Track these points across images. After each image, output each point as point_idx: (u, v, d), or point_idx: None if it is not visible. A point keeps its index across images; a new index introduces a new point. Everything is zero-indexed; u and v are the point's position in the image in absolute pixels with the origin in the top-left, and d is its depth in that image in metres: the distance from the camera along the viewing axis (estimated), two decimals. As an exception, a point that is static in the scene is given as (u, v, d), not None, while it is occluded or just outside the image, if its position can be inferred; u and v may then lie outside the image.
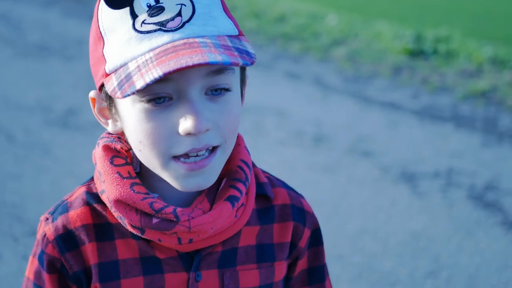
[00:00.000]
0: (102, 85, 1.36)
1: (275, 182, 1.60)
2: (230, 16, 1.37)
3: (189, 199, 1.45)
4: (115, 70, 1.31)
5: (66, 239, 1.45)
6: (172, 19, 1.29)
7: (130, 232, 1.43)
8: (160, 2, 1.30)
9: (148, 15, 1.30)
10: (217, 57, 1.24)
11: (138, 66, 1.27)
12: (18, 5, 10.42)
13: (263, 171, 1.60)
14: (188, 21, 1.30)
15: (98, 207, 1.45)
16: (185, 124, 1.30)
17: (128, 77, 1.27)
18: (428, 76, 7.63)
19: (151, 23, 1.30)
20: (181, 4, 1.31)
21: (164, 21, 1.29)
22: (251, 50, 1.32)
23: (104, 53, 1.34)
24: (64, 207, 1.48)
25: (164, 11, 1.30)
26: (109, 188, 1.40)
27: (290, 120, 6.27)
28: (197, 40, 1.27)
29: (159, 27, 1.29)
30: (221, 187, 1.45)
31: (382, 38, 8.84)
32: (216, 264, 1.47)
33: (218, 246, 1.47)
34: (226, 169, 1.47)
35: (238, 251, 1.50)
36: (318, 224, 1.62)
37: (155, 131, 1.32)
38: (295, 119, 6.29)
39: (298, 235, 1.57)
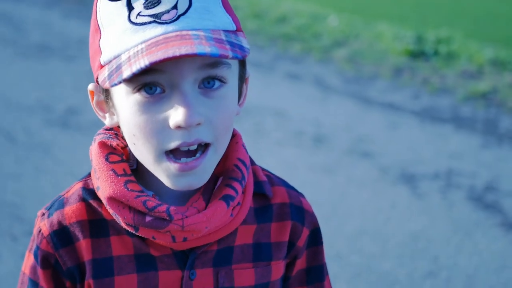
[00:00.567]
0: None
1: (274, 180, 1.59)
2: (229, 12, 1.37)
3: (184, 197, 1.44)
4: (109, 62, 1.31)
5: (60, 235, 1.44)
6: (168, 11, 1.30)
7: (125, 229, 1.43)
8: None
9: (144, 7, 1.30)
10: (206, 48, 1.24)
11: (129, 57, 1.27)
12: (19, 6, 10.43)
13: (263, 169, 1.59)
14: (183, 14, 1.30)
15: (93, 203, 1.45)
16: (176, 117, 1.29)
17: (118, 67, 1.28)
18: (429, 77, 7.63)
19: (146, 15, 1.30)
20: None
21: (159, 13, 1.29)
22: (245, 45, 1.32)
23: (100, 45, 1.34)
24: (60, 203, 1.48)
25: (160, 4, 1.30)
26: (103, 185, 1.41)
27: (290, 121, 6.27)
28: (190, 32, 1.27)
29: (153, 19, 1.29)
30: (217, 186, 1.45)
31: (383, 39, 8.84)
32: (211, 262, 1.46)
33: (214, 244, 1.46)
34: (223, 168, 1.47)
35: (234, 250, 1.49)
36: (317, 223, 1.61)
37: (147, 124, 1.32)
38: (295, 120, 6.30)
39: (297, 234, 1.56)
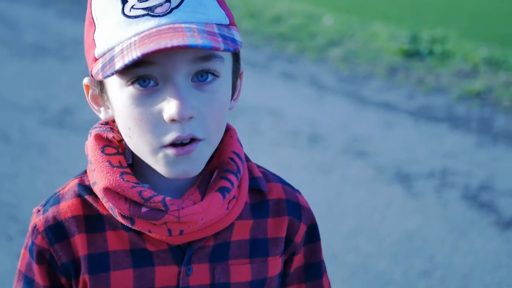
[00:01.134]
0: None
1: (270, 177, 1.59)
2: (223, 6, 1.38)
3: (181, 191, 1.45)
4: (103, 54, 1.33)
5: (55, 230, 1.45)
6: (161, 4, 1.31)
7: (121, 224, 1.43)
8: None
9: (138, 0, 1.32)
10: (198, 40, 1.25)
11: (122, 49, 1.28)
12: (14, 6, 10.41)
13: (259, 166, 1.59)
14: (176, 7, 1.31)
15: (89, 198, 1.45)
16: (169, 110, 1.30)
17: (111, 59, 1.29)
18: (424, 76, 7.64)
19: (139, 8, 1.31)
20: None
21: (152, 6, 1.31)
22: (238, 38, 1.33)
23: (95, 38, 1.36)
24: (56, 199, 1.48)
25: None
26: (99, 176, 1.41)
27: (285, 120, 6.28)
28: (182, 25, 1.29)
29: (147, 12, 1.31)
30: (212, 179, 1.45)
31: (377, 39, 8.85)
32: (208, 258, 1.47)
33: (210, 240, 1.47)
34: (218, 161, 1.48)
35: (230, 245, 1.49)
36: (314, 219, 1.62)
37: (142, 117, 1.33)
38: (290, 119, 6.30)
39: (294, 230, 1.57)
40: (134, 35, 1.29)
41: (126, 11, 1.32)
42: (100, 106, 1.46)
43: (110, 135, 1.46)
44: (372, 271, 4.07)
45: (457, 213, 4.72)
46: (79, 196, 1.47)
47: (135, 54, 1.25)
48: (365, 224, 4.55)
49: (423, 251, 4.27)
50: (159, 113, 1.32)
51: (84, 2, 10.53)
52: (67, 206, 1.46)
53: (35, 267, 1.47)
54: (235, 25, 1.39)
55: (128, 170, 1.42)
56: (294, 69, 7.87)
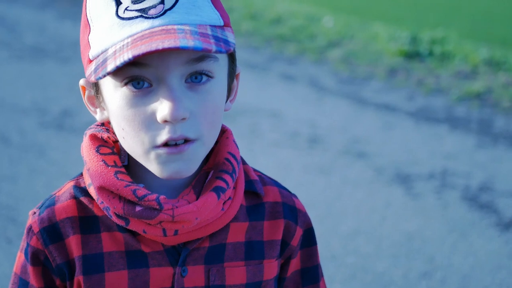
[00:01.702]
0: None
1: (266, 180, 1.59)
2: (218, 7, 1.37)
3: (176, 191, 1.45)
4: (97, 56, 1.33)
5: (50, 231, 1.45)
6: (154, 6, 1.31)
7: (116, 225, 1.43)
8: None
9: (132, 2, 1.32)
10: (189, 42, 1.25)
11: (115, 51, 1.29)
12: (13, 7, 10.42)
13: (255, 170, 1.59)
14: (170, 9, 1.31)
15: (84, 200, 1.45)
16: (162, 111, 1.30)
17: (104, 61, 1.29)
18: (424, 77, 7.64)
19: (133, 10, 1.31)
20: None
21: (146, 8, 1.31)
22: (231, 40, 1.32)
23: (89, 40, 1.36)
24: (52, 201, 1.48)
25: None
26: (93, 175, 1.41)
27: (285, 122, 6.27)
28: (175, 27, 1.29)
29: (140, 14, 1.31)
30: (207, 179, 1.45)
31: (377, 40, 8.85)
32: (203, 259, 1.46)
33: (205, 241, 1.46)
34: (214, 162, 1.47)
35: (226, 247, 1.49)
36: (311, 223, 1.61)
37: (135, 118, 1.33)
38: (290, 121, 6.30)
39: (290, 233, 1.56)
40: (127, 37, 1.29)
41: (120, 13, 1.32)
42: (96, 107, 1.46)
43: (105, 135, 1.46)
44: (372, 272, 4.06)
45: (457, 214, 4.71)
46: (74, 197, 1.47)
47: (126, 56, 1.25)
48: (365, 225, 4.54)
49: (423, 252, 4.26)
50: (152, 114, 1.32)
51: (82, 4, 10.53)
52: (62, 208, 1.46)
53: (29, 268, 1.46)
54: (230, 26, 1.38)
55: (122, 169, 1.42)
56: (294, 70, 7.86)
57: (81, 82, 1.46)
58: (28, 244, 1.46)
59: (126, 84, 1.32)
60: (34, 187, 4.86)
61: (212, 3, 1.37)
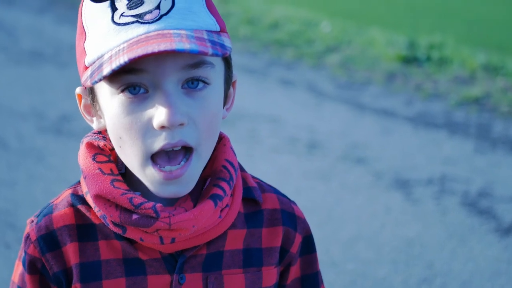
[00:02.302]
0: None
1: (265, 187, 1.58)
2: (213, 13, 1.37)
3: (173, 199, 1.43)
4: (93, 62, 1.32)
5: (47, 239, 1.44)
6: (150, 11, 1.31)
7: (114, 233, 1.42)
8: None
9: (127, 7, 1.32)
10: (186, 45, 1.25)
11: (111, 56, 1.28)
12: (11, 12, 10.41)
13: (253, 177, 1.58)
14: (165, 14, 1.31)
15: (82, 208, 1.45)
16: (159, 117, 1.30)
17: (100, 66, 1.29)
18: (422, 83, 7.64)
19: (129, 16, 1.31)
20: None
21: (142, 13, 1.31)
22: (227, 44, 1.32)
23: (85, 47, 1.36)
24: (49, 209, 1.48)
25: (143, 4, 1.31)
26: (90, 183, 1.40)
27: (284, 127, 6.27)
28: (171, 31, 1.28)
29: (136, 19, 1.30)
30: (205, 186, 1.45)
31: (375, 45, 8.85)
32: (201, 267, 1.46)
33: (203, 249, 1.46)
34: (211, 169, 1.47)
35: (224, 255, 1.48)
36: (310, 230, 1.60)
37: (132, 125, 1.32)
38: (288, 126, 6.29)
39: (290, 240, 1.55)
40: (123, 42, 1.29)
41: (116, 18, 1.31)
42: (93, 116, 1.46)
43: (102, 143, 1.46)
44: (372, 278, 4.05)
45: (456, 219, 4.71)
46: (72, 205, 1.46)
47: (122, 59, 1.24)
48: (365, 231, 4.54)
49: (423, 258, 4.26)
50: (149, 121, 1.32)
51: (82, 8, 10.54)
52: (60, 216, 1.45)
53: (27, 277, 1.46)
54: (226, 32, 1.38)
55: (119, 177, 1.41)
56: (292, 75, 7.86)
57: (78, 90, 1.46)
58: (25, 252, 1.46)
59: (122, 91, 1.32)
60: (33, 192, 4.85)
61: (208, 9, 1.37)
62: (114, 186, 1.38)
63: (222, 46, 1.30)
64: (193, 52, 1.24)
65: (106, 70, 1.26)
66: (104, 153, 1.45)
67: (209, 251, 1.47)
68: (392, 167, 5.48)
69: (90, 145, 1.45)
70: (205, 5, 1.37)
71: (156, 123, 1.30)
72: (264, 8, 10.90)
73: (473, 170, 5.48)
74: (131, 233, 1.39)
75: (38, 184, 4.98)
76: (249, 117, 6.37)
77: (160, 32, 1.28)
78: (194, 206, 1.41)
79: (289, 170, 5.37)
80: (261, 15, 10.41)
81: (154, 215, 1.35)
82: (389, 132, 6.24)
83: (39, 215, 1.49)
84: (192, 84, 1.33)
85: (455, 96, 7.18)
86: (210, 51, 1.26)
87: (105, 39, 1.31)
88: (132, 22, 1.30)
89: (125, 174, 1.46)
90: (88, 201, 1.43)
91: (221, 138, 1.50)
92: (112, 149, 1.46)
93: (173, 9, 1.31)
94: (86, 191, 1.43)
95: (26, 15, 10.26)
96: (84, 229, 1.44)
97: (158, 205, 1.36)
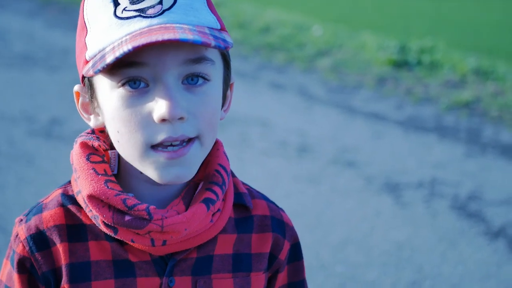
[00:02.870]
0: (84, 77, 1.39)
1: (255, 193, 1.59)
2: (214, 12, 1.39)
3: (165, 202, 1.44)
4: (94, 56, 1.33)
5: (37, 239, 1.44)
6: (153, 6, 1.32)
7: (104, 233, 1.42)
8: None
9: (130, 2, 1.32)
10: (189, 36, 1.26)
11: (113, 47, 1.29)
12: (2, 16, 10.39)
13: (244, 183, 1.59)
14: (168, 9, 1.32)
15: (72, 208, 1.44)
16: (160, 109, 1.30)
17: (102, 56, 1.30)
18: (412, 87, 7.66)
19: (131, 10, 1.32)
20: None
21: (144, 8, 1.31)
22: (229, 40, 1.34)
23: (86, 41, 1.36)
24: (39, 208, 1.47)
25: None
26: (83, 183, 1.40)
27: (275, 131, 6.28)
28: (174, 25, 1.29)
29: (138, 14, 1.31)
30: (197, 190, 1.45)
31: (366, 49, 8.87)
32: (190, 270, 1.46)
33: (193, 252, 1.46)
34: (204, 173, 1.47)
35: (213, 259, 1.48)
36: (297, 238, 1.61)
37: (131, 118, 1.33)
38: (279, 130, 6.30)
39: (279, 247, 1.56)
40: (126, 35, 1.29)
41: (118, 13, 1.32)
42: (90, 114, 1.45)
43: (96, 143, 1.45)
44: (361, 281, 4.06)
45: (446, 223, 4.73)
46: (62, 205, 1.46)
47: (126, 48, 1.25)
48: (354, 234, 4.55)
49: (412, 261, 4.27)
50: (149, 114, 1.32)
51: (73, 12, 10.53)
52: (50, 215, 1.45)
53: (15, 276, 1.45)
54: (226, 31, 1.39)
55: (113, 178, 1.41)
56: (283, 79, 7.87)
57: (76, 88, 1.46)
58: (14, 251, 1.45)
59: (123, 84, 1.32)
60: (23, 196, 4.85)
61: (209, 7, 1.38)
62: (108, 187, 1.38)
63: (224, 40, 1.32)
64: (196, 42, 1.25)
65: (110, 58, 1.26)
66: (98, 153, 1.45)
67: (199, 255, 1.47)
68: (382, 170, 5.50)
69: (84, 145, 1.45)
70: (206, 3, 1.38)
71: (156, 115, 1.30)
72: (255, 12, 10.92)
73: (463, 174, 5.50)
74: (123, 235, 1.39)
75: (29, 187, 4.98)
76: (240, 120, 6.38)
77: (162, 25, 1.29)
78: (186, 209, 1.41)
79: (280, 174, 5.38)
80: (252, 19, 10.43)
81: (147, 217, 1.36)
82: (379, 136, 6.26)
83: (28, 214, 1.48)
84: (192, 81, 1.34)
85: (445, 100, 7.20)
86: (212, 43, 1.27)
87: (107, 33, 1.32)
88: (135, 16, 1.31)
89: (118, 176, 1.46)
90: (79, 201, 1.43)
91: (215, 142, 1.50)
92: (106, 150, 1.46)
93: (176, 4, 1.32)
94: (77, 191, 1.43)
95: (17, 19, 10.25)
96: (74, 229, 1.44)
97: (152, 207, 1.37)
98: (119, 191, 1.39)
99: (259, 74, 8.04)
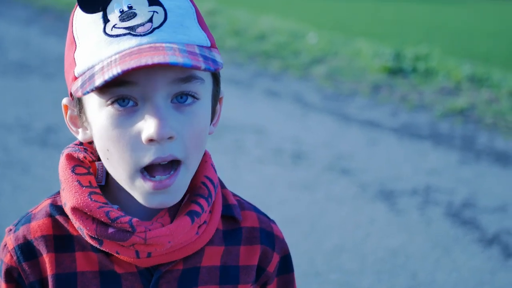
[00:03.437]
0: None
1: (245, 205, 1.58)
2: (204, 29, 1.38)
3: (151, 214, 1.43)
4: (83, 73, 1.32)
5: (24, 249, 1.44)
6: (142, 24, 1.31)
7: (91, 245, 1.42)
8: (133, 8, 1.32)
9: (120, 19, 1.32)
10: (179, 59, 1.25)
11: (102, 67, 1.28)
12: (-2, 23, 10.40)
13: (234, 194, 1.58)
14: (158, 27, 1.31)
15: (60, 218, 1.44)
16: (148, 130, 1.30)
17: (91, 76, 1.29)
18: (407, 94, 7.68)
19: (121, 28, 1.31)
20: (154, 11, 1.32)
21: (134, 26, 1.31)
22: (219, 60, 1.33)
23: (75, 57, 1.35)
24: (28, 218, 1.47)
25: (136, 17, 1.32)
26: (67, 196, 1.40)
27: (269, 138, 6.29)
28: (164, 44, 1.29)
29: (128, 32, 1.30)
30: (183, 202, 1.44)
31: (361, 56, 8.89)
32: (176, 282, 1.45)
33: (179, 264, 1.45)
34: (191, 185, 1.45)
35: (200, 271, 1.48)
36: (288, 250, 1.60)
37: (120, 138, 1.32)
38: (274, 137, 6.31)
39: (267, 259, 1.55)
40: (115, 54, 1.29)
41: (108, 30, 1.31)
42: (78, 128, 1.45)
43: (82, 155, 1.45)
44: (356, 288, 4.07)
45: (440, 230, 4.73)
46: (50, 216, 1.46)
47: (115, 70, 1.24)
48: (349, 241, 4.55)
49: (407, 268, 4.27)
50: (138, 134, 1.31)
51: (68, 20, 10.54)
52: (38, 226, 1.45)
53: (2, 285, 1.46)
54: (216, 48, 1.39)
55: (97, 190, 1.41)
56: (278, 86, 7.88)
57: (64, 101, 1.45)
58: (2, 261, 1.46)
59: (112, 103, 1.32)
60: (18, 203, 4.85)
61: (199, 24, 1.38)
62: (91, 199, 1.38)
63: (214, 61, 1.31)
64: (186, 66, 1.24)
65: (99, 81, 1.25)
66: (83, 165, 1.44)
67: (186, 266, 1.46)
68: (377, 178, 5.51)
69: (70, 157, 1.45)
70: (196, 20, 1.37)
71: (145, 136, 1.30)
72: (251, 20, 10.94)
73: (457, 181, 5.51)
74: (108, 246, 1.38)
75: (24, 195, 4.98)
76: (235, 128, 6.39)
77: (152, 45, 1.28)
78: (172, 221, 1.40)
79: (275, 181, 5.38)
80: (248, 26, 10.44)
81: (130, 229, 1.35)
82: (374, 143, 6.27)
83: (17, 223, 1.48)
84: (181, 99, 1.33)
85: (440, 107, 7.22)
86: (202, 65, 1.26)
87: (96, 50, 1.31)
88: (124, 34, 1.30)
89: (106, 187, 1.46)
90: (66, 212, 1.43)
91: (203, 154, 1.49)
92: (92, 161, 1.46)
93: (166, 22, 1.31)
94: (64, 202, 1.43)
95: (13, 26, 10.25)
96: (61, 240, 1.44)
97: (134, 219, 1.36)
98: (103, 203, 1.38)
99: (254, 81, 8.05)
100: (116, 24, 1.31)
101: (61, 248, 1.44)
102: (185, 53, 1.27)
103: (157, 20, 1.32)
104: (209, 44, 1.36)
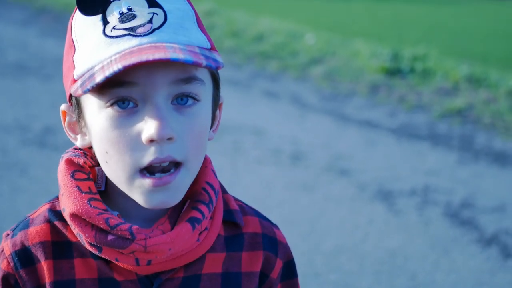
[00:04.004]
0: (71, 96, 1.37)
1: (247, 210, 1.55)
2: (204, 31, 1.37)
3: (151, 220, 1.41)
4: (83, 75, 1.31)
5: (21, 255, 1.42)
6: (142, 25, 1.30)
7: (90, 251, 1.40)
8: (133, 10, 1.31)
9: (119, 21, 1.31)
10: (180, 55, 1.24)
11: (103, 66, 1.27)
12: (-4, 24, 10.40)
13: (236, 199, 1.56)
14: (158, 28, 1.30)
15: (59, 224, 1.42)
16: (148, 130, 1.28)
17: (91, 75, 1.28)
18: (405, 94, 7.68)
19: (121, 29, 1.30)
20: (153, 13, 1.32)
21: (134, 27, 1.30)
22: (219, 60, 1.32)
23: (74, 60, 1.34)
24: (25, 224, 1.45)
25: (135, 18, 1.31)
26: (66, 201, 1.38)
27: (268, 139, 6.28)
28: (164, 44, 1.28)
29: (128, 32, 1.29)
30: (184, 209, 1.42)
31: (359, 57, 8.89)
32: None
33: (180, 271, 1.43)
34: (191, 191, 1.44)
35: (201, 278, 1.45)
36: (291, 255, 1.57)
37: (120, 139, 1.31)
38: (272, 138, 6.31)
39: (270, 265, 1.53)
40: (115, 54, 1.27)
41: (107, 31, 1.30)
42: (77, 134, 1.43)
43: (82, 160, 1.43)
44: (355, 289, 4.06)
45: (439, 230, 4.73)
46: (48, 221, 1.43)
47: (116, 67, 1.23)
48: (348, 242, 4.55)
49: (406, 269, 4.27)
50: (138, 135, 1.30)
51: (66, 21, 10.52)
52: (36, 231, 1.43)
53: None
54: (216, 50, 1.38)
55: (97, 196, 1.39)
56: (276, 87, 7.88)
57: (62, 107, 1.44)
58: None
59: (111, 104, 1.30)
60: (16, 205, 4.84)
61: (199, 26, 1.37)
62: (90, 206, 1.35)
63: (215, 60, 1.30)
64: (187, 62, 1.24)
65: (99, 78, 1.24)
66: (83, 170, 1.42)
67: (186, 274, 1.44)
68: (375, 178, 5.51)
69: (69, 162, 1.43)
70: (196, 22, 1.37)
71: (145, 136, 1.28)
72: (249, 20, 10.94)
73: (455, 181, 5.51)
74: (107, 253, 1.36)
75: (22, 196, 4.97)
76: (233, 128, 6.39)
77: (153, 44, 1.27)
78: (172, 228, 1.38)
79: (273, 182, 5.38)
80: (246, 27, 10.44)
81: (129, 237, 1.33)
82: (372, 144, 6.27)
83: (15, 229, 1.46)
84: (182, 101, 1.32)
85: (438, 107, 7.22)
86: (204, 62, 1.25)
87: (95, 51, 1.30)
88: (124, 35, 1.29)
89: (106, 192, 1.44)
90: (65, 218, 1.40)
91: (204, 160, 1.46)
92: (92, 167, 1.44)
93: (166, 24, 1.31)
94: (63, 207, 1.40)
95: (11, 27, 10.24)
96: (59, 246, 1.42)
97: (134, 227, 1.34)
98: (103, 209, 1.36)
99: (252, 82, 8.05)
100: (115, 25, 1.30)
101: (60, 254, 1.41)
102: (186, 51, 1.27)
103: (157, 22, 1.31)
104: (209, 46, 1.35)
